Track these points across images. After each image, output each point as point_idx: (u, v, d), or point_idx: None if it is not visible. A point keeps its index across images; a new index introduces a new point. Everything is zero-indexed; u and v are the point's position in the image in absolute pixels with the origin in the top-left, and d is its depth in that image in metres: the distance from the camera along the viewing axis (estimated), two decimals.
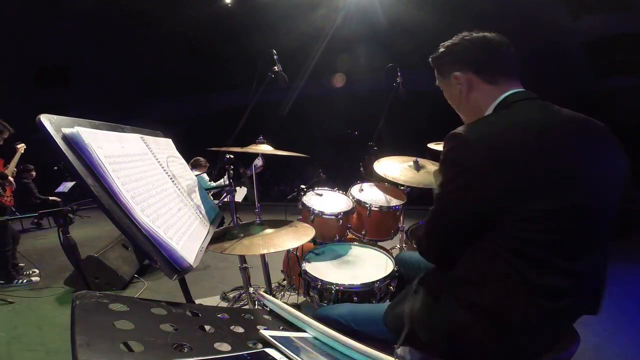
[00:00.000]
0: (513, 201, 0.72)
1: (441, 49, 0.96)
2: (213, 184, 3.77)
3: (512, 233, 0.73)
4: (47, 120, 0.72)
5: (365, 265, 1.63)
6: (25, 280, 3.30)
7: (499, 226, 0.74)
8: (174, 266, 0.80)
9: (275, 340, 0.65)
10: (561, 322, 0.84)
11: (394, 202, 2.16)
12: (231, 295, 2.80)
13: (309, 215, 2.02)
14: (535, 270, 0.74)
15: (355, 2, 8.89)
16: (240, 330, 0.71)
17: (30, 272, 3.45)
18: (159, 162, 1.16)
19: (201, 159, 4.24)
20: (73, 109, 11.84)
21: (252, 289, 1.90)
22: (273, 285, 2.29)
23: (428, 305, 0.87)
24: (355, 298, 1.41)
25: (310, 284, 1.50)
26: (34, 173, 5.88)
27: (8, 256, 3.22)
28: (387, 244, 2.25)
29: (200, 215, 1.26)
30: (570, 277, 0.76)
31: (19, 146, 3.67)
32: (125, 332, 0.53)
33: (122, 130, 1.05)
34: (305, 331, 0.79)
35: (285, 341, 0.67)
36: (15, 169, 3.67)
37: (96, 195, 0.72)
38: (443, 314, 0.84)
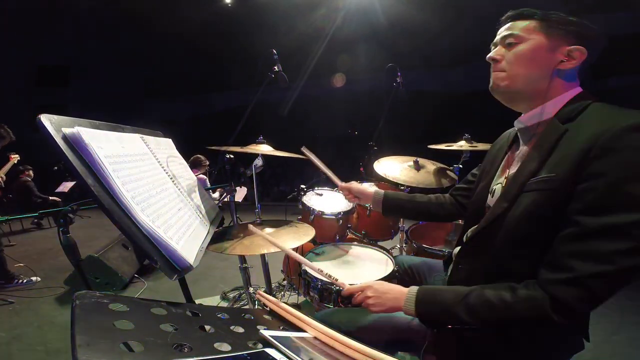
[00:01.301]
0: None
1: (566, 15, 0.84)
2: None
3: None
4: (47, 120, 0.72)
5: (365, 265, 1.62)
6: (25, 280, 3.30)
7: None
8: (174, 266, 0.80)
9: (275, 340, 0.65)
10: None
11: None
12: (231, 295, 2.80)
13: (309, 215, 2.02)
14: None
15: (355, 2, 8.88)
16: (240, 330, 0.71)
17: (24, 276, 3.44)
18: (159, 162, 1.16)
19: (201, 157, 4.23)
20: (73, 109, 11.86)
21: (252, 289, 1.90)
22: (273, 285, 2.29)
23: None
24: None
25: (310, 284, 1.50)
26: (31, 173, 5.88)
27: (3, 256, 3.23)
28: (387, 244, 2.25)
29: (200, 215, 1.26)
30: None
31: (12, 156, 3.64)
32: (125, 332, 0.53)
33: (122, 130, 1.05)
34: (305, 331, 0.79)
35: (285, 341, 0.67)
36: (4, 177, 3.66)
37: (96, 195, 0.72)
38: None
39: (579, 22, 0.82)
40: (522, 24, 0.86)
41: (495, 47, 0.92)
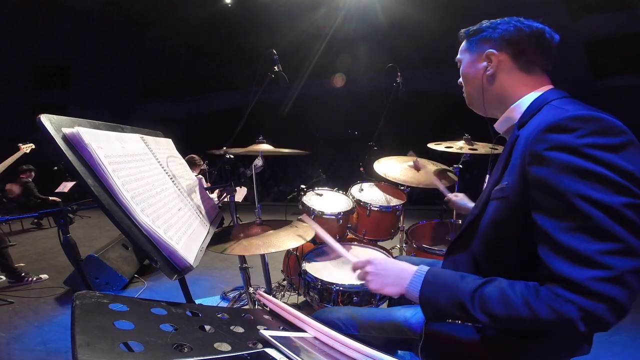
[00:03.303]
0: None
1: (484, 23, 0.91)
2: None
3: None
4: (47, 120, 0.72)
5: None
6: (35, 278, 3.30)
7: None
8: (174, 266, 0.81)
9: (275, 340, 0.65)
10: None
11: (394, 202, 2.16)
12: (231, 295, 2.80)
13: (309, 215, 2.02)
14: None
15: (355, 2, 8.88)
16: (240, 330, 0.71)
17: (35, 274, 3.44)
18: (159, 162, 1.16)
19: (196, 156, 4.08)
20: (73, 109, 11.85)
21: (252, 289, 1.90)
22: (273, 285, 2.29)
23: None
24: (355, 298, 1.41)
25: (310, 284, 1.50)
26: (33, 173, 5.87)
27: (7, 254, 3.23)
28: (387, 244, 2.25)
29: (200, 215, 1.26)
30: None
31: (23, 146, 3.52)
32: (125, 332, 0.53)
33: (122, 130, 1.05)
34: (305, 331, 0.79)
35: (285, 341, 0.67)
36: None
37: (96, 195, 0.72)
38: None
39: (488, 26, 0.89)
40: (461, 46, 0.97)
41: None
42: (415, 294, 0.78)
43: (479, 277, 0.74)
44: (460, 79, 0.99)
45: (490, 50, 0.86)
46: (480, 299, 0.69)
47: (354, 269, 0.93)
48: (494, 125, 0.95)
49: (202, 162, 4.23)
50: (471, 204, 1.48)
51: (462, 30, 0.96)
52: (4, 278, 3.29)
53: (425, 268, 0.80)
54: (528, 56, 0.84)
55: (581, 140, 0.63)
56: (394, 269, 0.84)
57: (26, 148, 3.52)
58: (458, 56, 0.98)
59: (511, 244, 0.77)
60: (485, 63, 0.87)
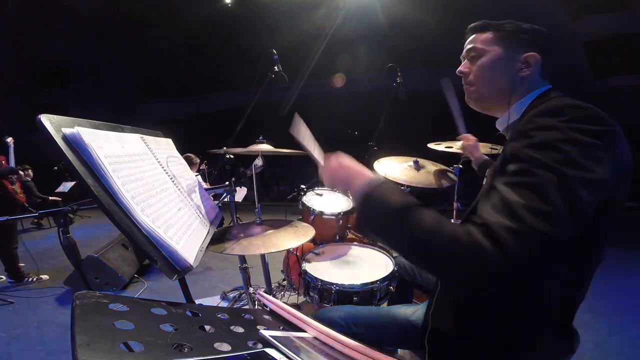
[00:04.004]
0: None
1: (519, 23, 0.89)
2: None
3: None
4: (47, 120, 0.72)
5: (365, 265, 1.63)
6: (35, 279, 3.31)
7: None
8: (174, 266, 0.80)
9: (275, 340, 0.65)
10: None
11: None
12: (231, 295, 2.81)
13: (309, 215, 2.02)
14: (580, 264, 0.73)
15: (355, 2, 8.88)
16: (240, 330, 0.71)
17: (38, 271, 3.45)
18: (159, 162, 1.16)
19: (192, 155, 3.99)
20: (73, 109, 11.85)
21: (252, 289, 1.90)
22: (273, 285, 2.29)
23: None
24: (355, 298, 1.41)
25: (310, 284, 1.50)
26: (31, 172, 5.88)
27: (17, 254, 3.24)
28: None
29: (200, 215, 1.26)
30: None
31: (9, 139, 3.45)
32: (125, 332, 0.53)
33: (122, 130, 1.05)
34: (305, 331, 0.79)
35: (285, 341, 0.67)
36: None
37: (96, 195, 0.72)
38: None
39: (530, 28, 0.88)
40: (481, 36, 0.92)
41: (463, 60, 0.97)
42: (362, 191, 0.74)
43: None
44: (464, 69, 0.94)
45: (532, 53, 0.85)
46: (414, 211, 0.67)
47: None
48: (496, 123, 0.96)
49: (198, 161, 4.18)
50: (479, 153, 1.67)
51: (487, 22, 0.92)
52: (4, 278, 3.29)
53: (381, 178, 0.77)
54: (552, 62, 0.87)
55: (563, 123, 0.66)
56: (353, 168, 0.84)
57: (10, 141, 3.39)
58: (478, 45, 0.91)
59: None
60: (520, 64, 0.86)
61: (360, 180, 0.77)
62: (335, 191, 2.31)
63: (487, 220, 0.60)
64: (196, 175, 3.88)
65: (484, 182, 0.92)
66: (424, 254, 0.66)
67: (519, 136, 0.71)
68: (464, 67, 0.95)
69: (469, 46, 0.93)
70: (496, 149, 1.54)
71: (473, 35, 0.94)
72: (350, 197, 0.73)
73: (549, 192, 0.59)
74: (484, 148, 1.98)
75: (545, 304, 0.76)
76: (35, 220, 6.10)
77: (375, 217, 0.73)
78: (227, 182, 1.63)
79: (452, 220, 2.18)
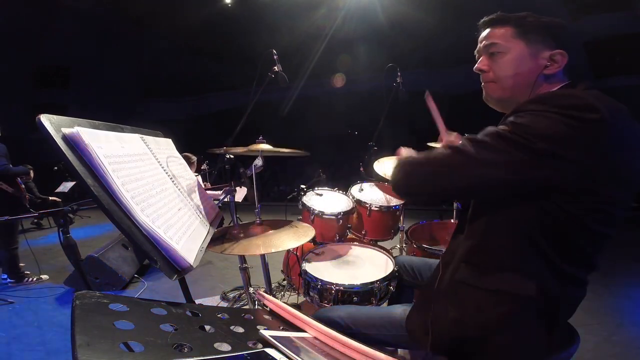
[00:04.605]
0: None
1: (539, 17, 0.85)
2: None
3: (561, 212, 0.72)
4: (47, 120, 0.72)
5: (365, 265, 1.63)
6: (35, 279, 3.31)
7: (545, 201, 0.73)
8: (174, 266, 0.80)
9: (275, 340, 0.65)
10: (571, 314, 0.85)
11: (394, 201, 2.16)
12: (231, 295, 2.81)
13: (309, 215, 2.02)
14: (564, 255, 0.75)
15: (355, 2, 8.87)
16: (240, 330, 0.71)
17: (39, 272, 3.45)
18: (159, 162, 1.16)
19: (190, 155, 3.95)
20: (73, 109, 11.85)
21: (252, 289, 1.90)
22: (273, 285, 2.29)
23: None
24: (355, 298, 1.41)
25: (310, 284, 1.50)
26: (32, 173, 5.87)
27: (17, 254, 3.24)
28: (387, 244, 2.25)
29: (200, 215, 1.26)
30: (592, 268, 0.80)
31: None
32: (125, 332, 0.53)
33: (122, 130, 1.05)
34: (305, 331, 0.79)
35: (285, 341, 0.67)
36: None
37: (96, 195, 0.72)
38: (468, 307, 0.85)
39: (554, 23, 0.84)
40: (500, 31, 0.87)
41: (479, 55, 0.93)
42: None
43: None
44: (483, 66, 0.90)
45: (560, 50, 0.82)
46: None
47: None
48: None
49: (195, 159, 4.16)
50: None
51: (506, 15, 0.87)
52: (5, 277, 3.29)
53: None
54: (575, 59, 0.85)
55: (552, 106, 0.70)
56: None
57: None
58: (499, 41, 0.86)
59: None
60: (545, 61, 0.82)
61: None
62: (335, 191, 2.31)
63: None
64: (196, 176, 3.89)
65: None
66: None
67: (512, 114, 0.78)
68: (482, 64, 0.90)
69: (488, 42, 0.88)
70: None
71: (489, 30, 0.89)
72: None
73: (506, 144, 0.72)
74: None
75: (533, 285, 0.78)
76: (35, 220, 6.09)
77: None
78: (226, 183, 1.64)
79: (452, 220, 2.20)
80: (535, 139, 0.68)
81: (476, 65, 0.92)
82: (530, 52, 0.84)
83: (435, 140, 2.19)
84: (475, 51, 0.94)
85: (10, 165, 3.22)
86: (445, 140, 1.17)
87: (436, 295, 0.92)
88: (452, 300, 0.87)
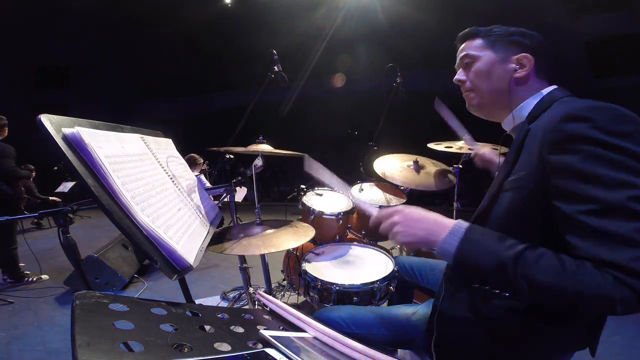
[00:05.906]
0: None
1: (506, 27, 0.92)
2: None
3: None
4: (47, 120, 0.72)
5: (365, 265, 1.63)
6: (35, 279, 3.30)
7: None
8: (174, 266, 0.81)
9: (275, 340, 0.65)
10: None
11: (394, 201, 2.16)
12: (231, 295, 2.81)
13: (309, 215, 2.02)
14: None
15: (355, 2, 8.87)
16: (240, 330, 0.71)
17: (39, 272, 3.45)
18: (159, 162, 1.16)
19: (196, 156, 4.06)
20: (73, 109, 11.84)
21: (252, 289, 1.90)
22: (273, 285, 2.29)
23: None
24: (355, 298, 1.40)
25: (310, 284, 1.50)
26: (33, 173, 5.87)
27: (16, 254, 3.24)
28: (387, 244, 2.25)
29: (200, 215, 1.26)
30: None
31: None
32: (125, 332, 0.53)
33: (122, 130, 1.05)
34: (305, 331, 0.79)
35: (285, 341, 0.67)
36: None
37: (96, 195, 0.72)
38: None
39: (517, 31, 0.90)
40: (471, 43, 0.95)
41: (458, 69, 0.99)
42: (450, 251, 0.72)
43: (518, 242, 0.70)
44: (460, 77, 0.96)
45: (525, 54, 0.87)
46: (523, 263, 0.65)
47: (379, 220, 0.86)
48: (502, 124, 0.96)
49: (202, 161, 4.22)
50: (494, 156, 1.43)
51: (476, 28, 0.94)
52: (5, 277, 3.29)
53: (464, 223, 0.76)
54: (546, 63, 0.89)
55: (597, 129, 0.66)
56: (427, 220, 0.79)
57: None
58: (470, 52, 0.93)
59: (533, 233, 0.74)
60: (514, 65, 0.88)
61: (441, 236, 0.74)
62: (334, 190, 2.31)
63: (614, 259, 0.60)
64: (197, 175, 3.91)
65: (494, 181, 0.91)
66: (549, 297, 0.66)
67: (556, 149, 0.69)
68: (460, 75, 0.97)
69: (462, 54, 0.96)
70: (496, 149, 1.53)
71: (464, 44, 0.97)
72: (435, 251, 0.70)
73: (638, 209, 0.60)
74: (484, 147, 1.98)
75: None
76: (35, 220, 6.09)
77: (475, 275, 0.77)
78: (227, 182, 1.64)
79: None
80: None
81: (455, 77, 0.99)
82: (498, 58, 0.90)
83: (435, 140, 2.20)
84: (455, 65, 1.01)
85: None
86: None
87: (440, 295, 0.92)
88: (457, 300, 0.88)
